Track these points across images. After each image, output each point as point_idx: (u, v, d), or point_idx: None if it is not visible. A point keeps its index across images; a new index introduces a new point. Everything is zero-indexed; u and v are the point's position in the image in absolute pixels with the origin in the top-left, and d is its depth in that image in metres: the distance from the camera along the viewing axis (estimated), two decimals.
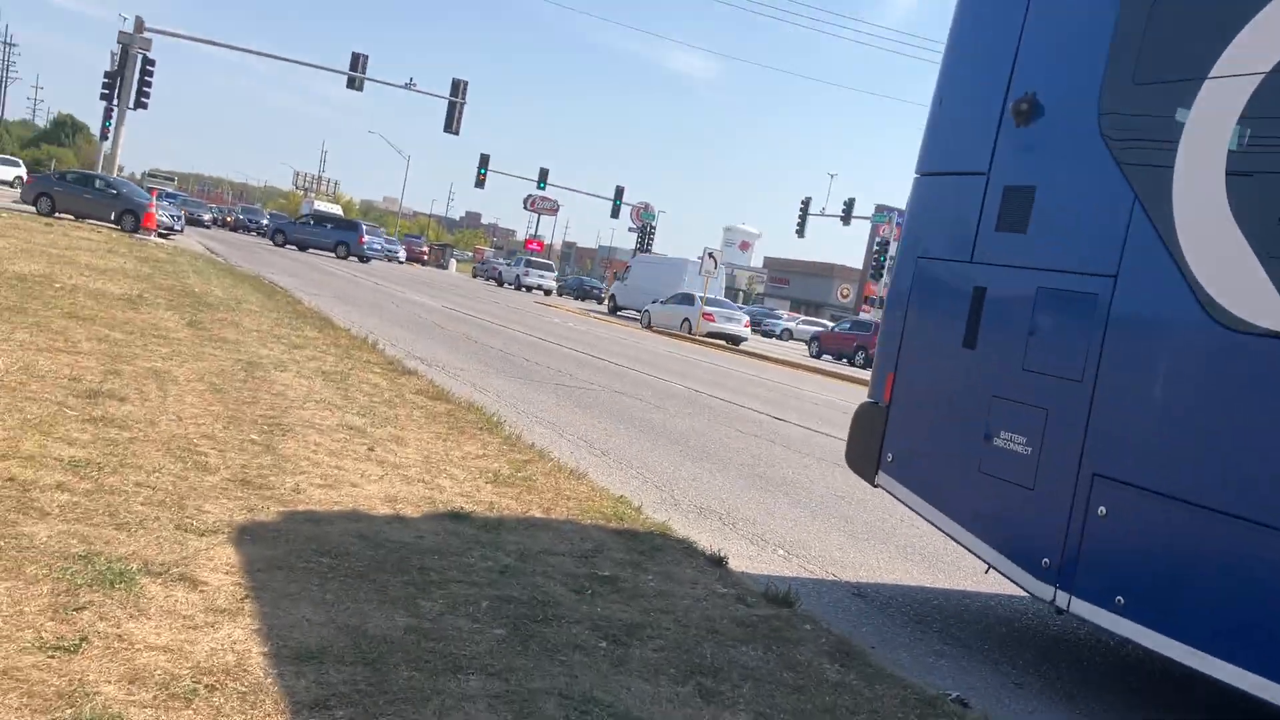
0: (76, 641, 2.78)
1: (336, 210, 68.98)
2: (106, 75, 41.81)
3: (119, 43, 41.17)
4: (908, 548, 7.04)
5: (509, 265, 65.71)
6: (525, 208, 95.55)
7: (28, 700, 2.44)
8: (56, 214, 30.86)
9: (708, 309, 35.44)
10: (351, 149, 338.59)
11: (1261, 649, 3.53)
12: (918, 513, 5.24)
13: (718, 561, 4.96)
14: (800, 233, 60.21)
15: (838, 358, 37.49)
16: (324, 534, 4.14)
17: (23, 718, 2.38)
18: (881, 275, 59.94)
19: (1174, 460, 3.91)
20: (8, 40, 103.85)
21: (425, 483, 5.36)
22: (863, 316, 47.37)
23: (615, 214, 68.65)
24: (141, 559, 3.47)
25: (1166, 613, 3.84)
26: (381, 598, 3.56)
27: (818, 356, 37.74)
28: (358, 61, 44.49)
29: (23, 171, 61.62)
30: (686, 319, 35.82)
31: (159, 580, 3.32)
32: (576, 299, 64.18)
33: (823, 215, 61.58)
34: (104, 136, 46.09)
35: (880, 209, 76.29)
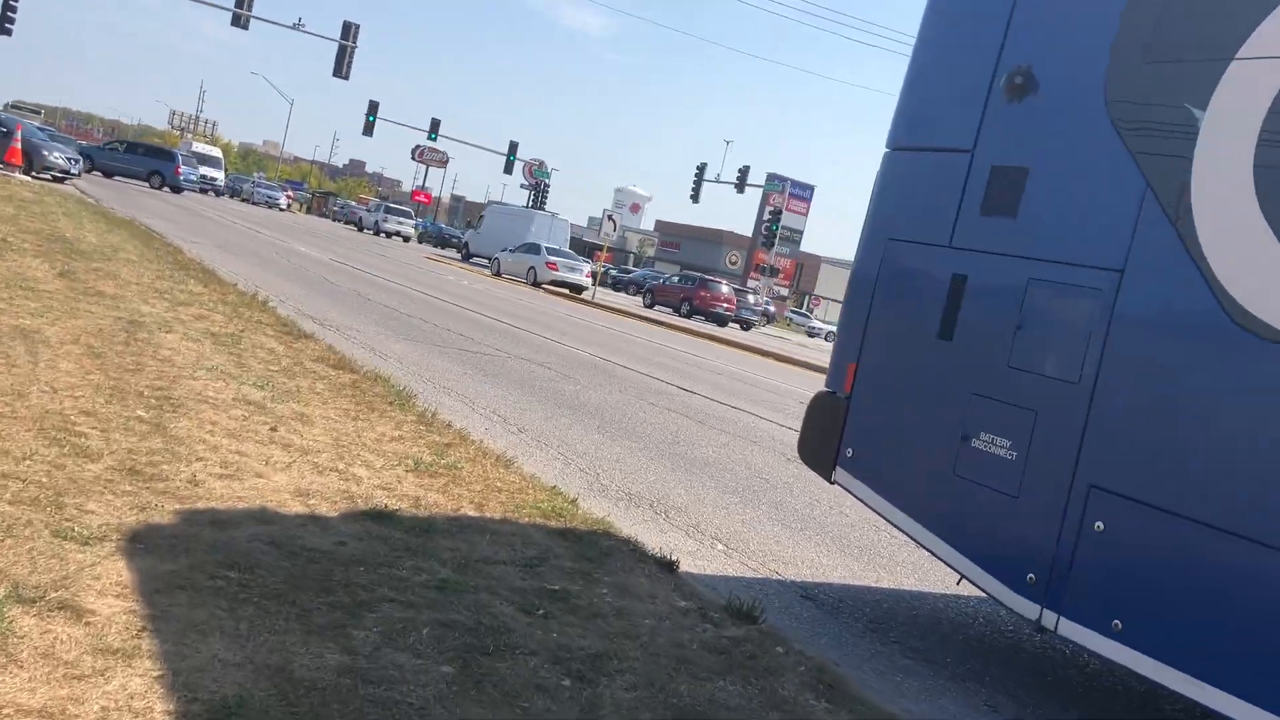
0: None
1: (216, 153, 66.06)
2: None
3: None
4: (843, 539, 6.73)
5: (369, 211, 67.37)
6: (413, 158, 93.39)
7: None
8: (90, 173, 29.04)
9: (550, 258, 37.29)
10: (232, 90, 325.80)
11: None
12: (879, 513, 4.88)
13: (669, 567, 4.52)
14: (695, 198, 59.91)
15: (667, 307, 40.55)
16: (230, 540, 3.55)
17: None
18: (773, 244, 60.29)
19: (1183, 475, 3.59)
20: None
21: (339, 472, 4.77)
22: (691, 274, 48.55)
23: (508, 169, 67.47)
24: (10, 580, 2.84)
25: (1173, 641, 3.54)
26: (306, 626, 3.01)
27: (651, 306, 40.50)
28: None
29: None
30: (532, 267, 37.70)
31: (33, 610, 2.71)
32: (436, 246, 64.81)
33: (718, 181, 61.33)
34: None
35: (772, 177, 76.73)
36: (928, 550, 4.64)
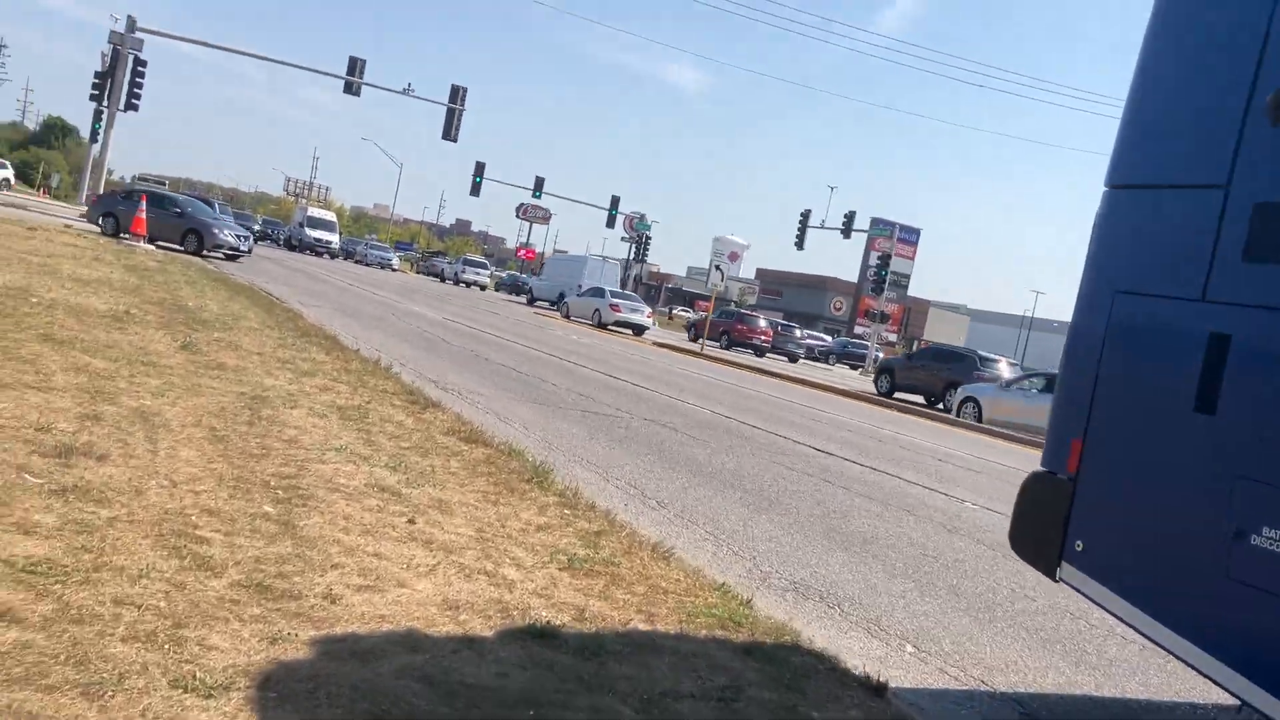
0: None
1: (331, 217, 67.81)
2: (97, 76, 40.65)
3: (110, 43, 40.02)
4: (1040, 633, 5.90)
5: (449, 264, 75.84)
6: (517, 216, 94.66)
7: None
8: (121, 235, 29.52)
9: (614, 301, 40.53)
10: (343, 155, 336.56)
11: None
12: (1124, 620, 4.08)
13: (878, 691, 3.80)
14: (799, 245, 59.15)
15: (713, 341, 43.45)
16: (377, 679, 2.97)
17: None
18: (883, 290, 58.92)
19: None
20: None
21: (488, 575, 4.18)
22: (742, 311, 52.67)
23: (610, 223, 67.87)
24: None
25: None
26: None
27: (695, 340, 42.92)
28: (355, 66, 43.36)
29: (10, 174, 60.22)
30: (597, 309, 40.69)
31: None
32: (511, 293, 70.79)
33: (822, 228, 60.46)
34: (94, 139, 44.90)
35: (877, 222, 75.47)
36: (1195, 668, 3.82)
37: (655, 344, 36.23)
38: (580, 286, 49.18)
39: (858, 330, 78.58)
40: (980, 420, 23.96)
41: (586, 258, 59.03)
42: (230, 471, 4.93)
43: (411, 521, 4.71)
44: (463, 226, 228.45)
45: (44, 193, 75.76)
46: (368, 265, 67.36)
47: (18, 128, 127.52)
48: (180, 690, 2.63)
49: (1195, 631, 3.75)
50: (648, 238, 71.01)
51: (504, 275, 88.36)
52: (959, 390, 25.81)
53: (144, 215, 27.43)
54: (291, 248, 66.39)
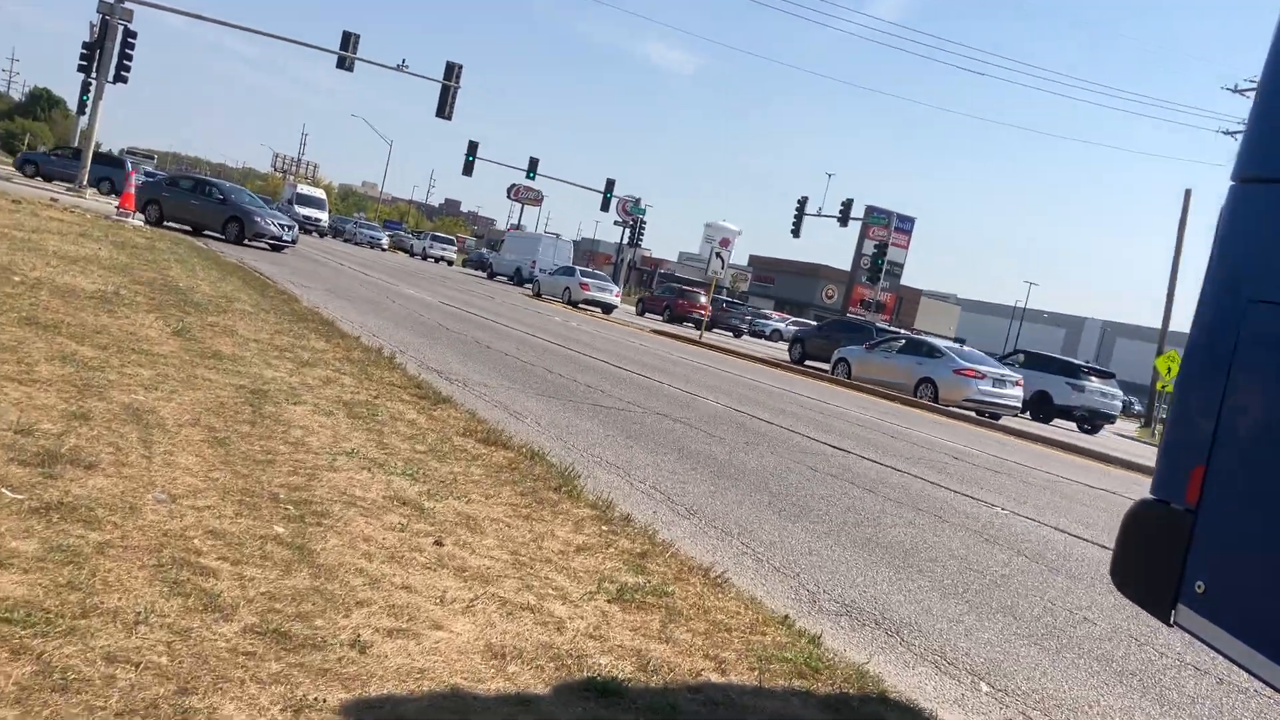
0: None
1: (320, 194, 66.92)
2: (85, 47, 39.79)
3: (99, 13, 39.10)
4: (1110, 662, 5.43)
5: (418, 239, 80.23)
6: (509, 197, 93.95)
7: None
8: (165, 224, 28.79)
9: (584, 280, 42.73)
10: (331, 133, 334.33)
11: None
12: (1259, 675, 3.60)
13: None
14: (795, 233, 58.67)
15: (655, 314, 49.37)
16: None
17: None
18: (878, 279, 58.53)
19: None
20: None
21: (533, 611, 3.67)
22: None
23: (605, 206, 67.23)
24: None
25: None
26: None
27: (642, 314, 49.75)
28: (349, 41, 42.53)
29: None
30: (568, 288, 42.63)
31: None
32: (477, 269, 73.35)
33: (819, 215, 59.94)
34: (81, 111, 44.04)
35: (871, 210, 74.95)
36: None
37: (654, 332, 35.72)
38: (534, 263, 53.92)
39: (850, 318, 78.19)
40: (849, 377, 27.47)
41: (541, 236, 64.39)
42: (234, 482, 4.40)
43: (439, 543, 4.19)
44: (452, 206, 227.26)
45: None
46: (357, 244, 66.63)
47: (3, 98, 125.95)
48: None
49: None
50: (642, 222, 70.41)
51: (471, 253, 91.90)
52: (835, 353, 29.10)
53: (133, 190, 26.78)
54: None
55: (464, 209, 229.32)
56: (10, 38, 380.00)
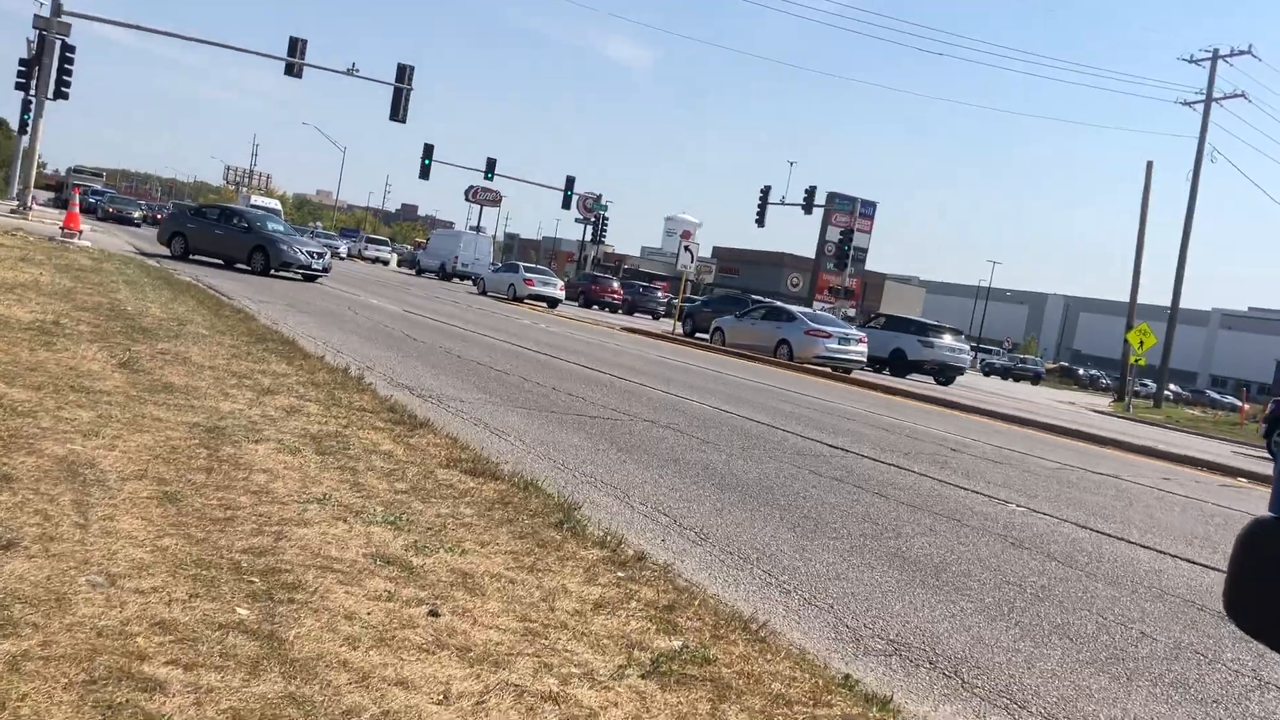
0: None
1: (275, 205, 65.74)
2: (22, 63, 38.51)
3: (35, 27, 37.86)
4: (1187, 687, 4.86)
5: (354, 242, 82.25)
6: (467, 199, 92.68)
7: None
8: (192, 257, 27.38)
9: (528, 275, 44.10)
10: (283, 143, 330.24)
11: None
12: None
13: None
14: (760, 222, 58.24)
15: (572, 301, 51.81)
16: None
17: None
18: (845, 264, 58.19)
19: None
20: None
21: (557, 702, 3.01)
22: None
23: (566, 204, 66.50)
24: None
25: None
26: None
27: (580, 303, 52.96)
28: (296, 46, 41.53)
29: None
30: (512, 284, 44.01)
31: None
32: (410, 267, 72.21)
33: (783, 204, 59.51)
34: (23, 130, 42.70)
35: (835, 197, 74.67)
36: None
37: (624, 330, 35.10)
38: (456, 258, 58.15)
39: (816, 305, 77.96)
40: (724, 344, 30.81)
41: (462, 233, 68.58)
42: (187, 550, 3.72)
43: (435, 614, 3.53)
44: (409, 211, 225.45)
45: None
46: None
47: None
48: None
49: None
50: (604, 218, 69.76)
51: (405, 253, 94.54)
52: (713, 322, 32.78)
53: (78, 209, 25.79)
54: None
55: (421, 213, 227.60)
56: None
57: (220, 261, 27.98)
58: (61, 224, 25.26)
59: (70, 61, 37.46)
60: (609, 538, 5.07)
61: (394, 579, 3.82)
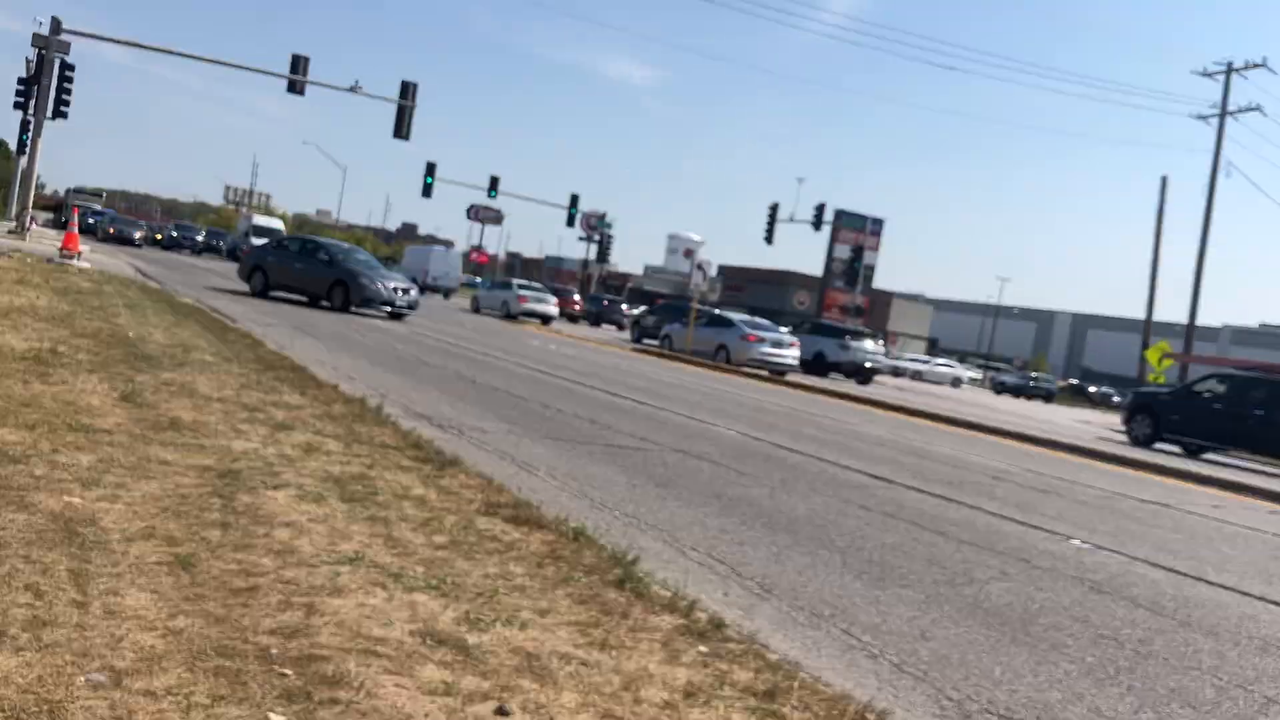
0: None
1: (278, 225, 65.35)
2: (21, 82, 38.05)
3: (34, 46, 37.40)
4: None
5: None
6: (469, 217, 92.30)
7: None
8: (272, 294, 25.88)
9: (521, 293, 45.04)
10: (283, 162, 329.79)
11: None
12: None
13: None
14: (769, 239, 57.77)
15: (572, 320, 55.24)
16: None
17: None
18: (857, 283, 57.68)
19: None
20: None
21: None
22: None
23: (571, 222, 66.01)
24: None
25: None
26: None
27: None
28: (298, 64, 41.10)
29: None
30: (505, 301, 45.20)
31: None
32: None
33: (791, 221, 59.05)
34: (21, 150, 42.27)
35: (844, 215, 74.17)
36: None
37: (634, 350, 34.57)
38: (427, 271, 60.01)
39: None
40: (673, 349, 33.47)
41: (432, 249, 70.87)
42: (206, 632, 3.12)
43: (504, 713, 2.93)
44: (409, 230, 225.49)
45: None
46: None
47: None
48: None
49: None
50: (609, 237, 69.34)
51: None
52: (663, 329, 35.97)
53: (77, 230, 25.26)
54: (236, 259, 63.77)
55: (421, 232, 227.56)
56: None
57: (305, 299, 26.19)
58: (60, 245, 24.71)
59: (69, 80, 36.98)
60: (678, 599, 4.47)
61: (450, 664, 3.22)
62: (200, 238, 68.12)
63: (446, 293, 60.44)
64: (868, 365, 37.26)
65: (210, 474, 5.17)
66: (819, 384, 29.74)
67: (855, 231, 69.50)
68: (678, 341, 33.57)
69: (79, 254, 24.02)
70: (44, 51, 35.49)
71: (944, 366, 74.81)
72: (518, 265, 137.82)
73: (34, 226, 39.99)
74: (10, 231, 36.07)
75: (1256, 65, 47.03)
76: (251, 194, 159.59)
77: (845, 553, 6.82)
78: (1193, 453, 25.58)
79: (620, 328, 57.24)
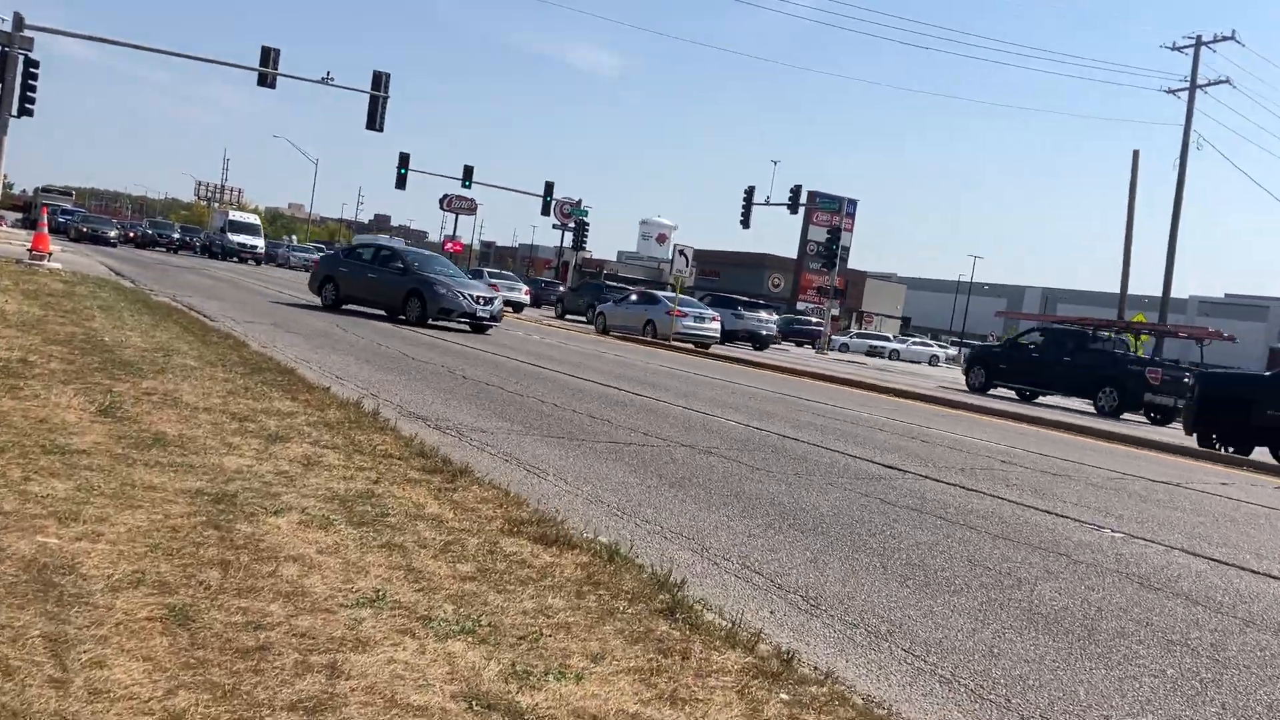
0: None
1: (254, 220, 64.34)
2: None
3: None
4: None
5: (284, 249, 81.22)
6: (442, 208, 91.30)
7: None
8: (345, 306, 24.29)
9: (492, 282, 45.72)
10: (254, 156, 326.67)
11: None
12: None
13: None
14: (745, 223, 57.20)
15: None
16: None
17: None
18: (834, 265, 57.31)
19: None
20: None
21: None
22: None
23: (546, 210, 65.36)
24: None
25: None
26: None
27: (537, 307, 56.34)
28: (269, 57, 40.22)
29: None
30: None
31: None
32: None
33: (767, 204, 58.57)
34: None
35: (819, 196, 73.91)
36: None
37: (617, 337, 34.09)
38: None
39: (800, 306, 77.18)
40: (605, 327, 35.39)
41: (379, 237, 75.59)
42: (212, 712, 2.62)
43: None
44: (382, 221, 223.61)
45: None
46: (291, 268, 64.29)
47: None
48: None
49: None
50: (584, 224, 68.69)
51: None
52: (597, 307, 37.62)
53: (47, 230, 24.48)
54: (213, 255, 62.85)
55: (395, 223, 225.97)
56: None
57: (381, 312, 24.41)
58: (29, 246, 23.93)
59: (34, 77, 35.99)
60: (737, 630, 4.00)
61: None
62: (176, 235, 67.33)
63: None
64: (763, 333, 41.35)
65: (203, 499, 4.65)
66: (736, 353, 32.17)
67: (830, 213, 69.21)
68: (610, 318, 35.62)
69: (50, 254, 23.26)
70: (7, 48, 34.49)
71: (920, 345, 75.47)
72: (492, 254, 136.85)
73: (2, 227, 39.03)
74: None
75: (1225, 38, 46.91)
76: (223, 189, 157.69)
77: (884, 557, 6.38)
78: (1026, 398, 29.32)
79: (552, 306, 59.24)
